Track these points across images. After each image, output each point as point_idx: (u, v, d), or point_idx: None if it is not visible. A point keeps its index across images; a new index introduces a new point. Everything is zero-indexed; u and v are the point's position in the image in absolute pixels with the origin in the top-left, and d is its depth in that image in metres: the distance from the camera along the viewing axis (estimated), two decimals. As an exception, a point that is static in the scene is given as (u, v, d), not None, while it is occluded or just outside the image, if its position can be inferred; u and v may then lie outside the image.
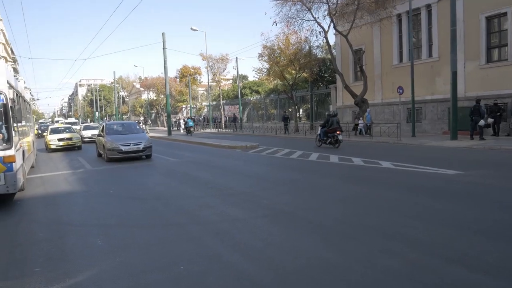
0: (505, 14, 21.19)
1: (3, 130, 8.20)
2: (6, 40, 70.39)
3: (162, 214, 7.31)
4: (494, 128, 19.81)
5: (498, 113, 19.62)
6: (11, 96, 8.96)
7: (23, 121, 12.73)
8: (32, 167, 14.26)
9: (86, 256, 5.20)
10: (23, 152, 10.84)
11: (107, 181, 11.60)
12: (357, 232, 5.77)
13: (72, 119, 68.23)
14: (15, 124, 8.89)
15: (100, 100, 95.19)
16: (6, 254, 5.46)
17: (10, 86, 9.03)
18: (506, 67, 21.25)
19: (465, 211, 6.70)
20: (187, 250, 5.27)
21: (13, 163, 8.26)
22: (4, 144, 8.18)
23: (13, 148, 8.29)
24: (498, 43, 22.20)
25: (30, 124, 15.88)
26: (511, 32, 20.85)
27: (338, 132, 17.89)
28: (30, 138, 14.19)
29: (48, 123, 51.02)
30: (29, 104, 16.99)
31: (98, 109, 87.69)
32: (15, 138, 8.76)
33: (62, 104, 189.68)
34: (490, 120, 19.30)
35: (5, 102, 8.23)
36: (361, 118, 25.64)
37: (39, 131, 39.16)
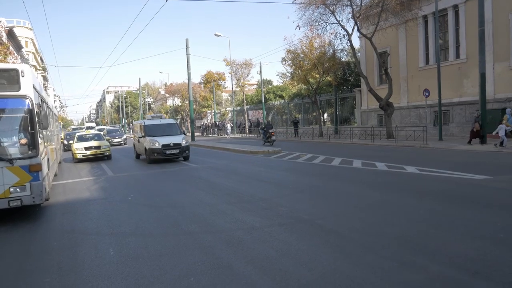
0: (536, 12, 20.38)
1: (29, 137, 7.86)
2: (36, 49, 72.60)
3: (177, 223, 7.20)
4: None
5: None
6: (37, 101, 8.67)
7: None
8: (55, 175, 14.45)
9: (96, 266, 5.13)
10: (48, 160, 10.92)
11: (127, 188, 11.62)
12: (377, 242, 5.50)
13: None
14: (41, 131, 8.63)
15: (126, 106, 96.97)
16: (18, 263, 5.44)
17: (36, 91, 8.72)
18: (538, 68, 20.39)
19: (493, 219, 6.32)
20: (198, 261, 5.13)
21: (39, 172, 7.97)
22: (30, 152, 7.83)
23: (39, 156, 8.00)
24: (530, 43, 21.33)
25: (53, 130, 16.01)
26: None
27: (273, 133, 25.69)
28: (54, 145, 14.40)
29: (83, 130, 43.95)
30: (52, 111, 16.97)
31: (125, 116, 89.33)
32: (41, 146, 8.43)
33: (90, 111, 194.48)
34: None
35: (31, 108, 7.89)
36: (502, 122, 17.99)
37: (65, 141, 32.45)
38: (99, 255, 5.58)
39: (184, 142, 17.74)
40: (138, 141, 19.29)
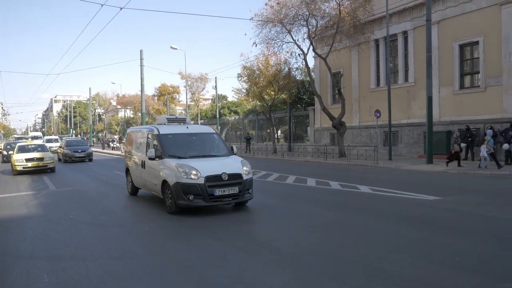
0: (477, 43, 21.67)
1: None
2: (-22, 54, 68.28)
3: (123, 244, 6.68)
4: (467, 153, 19.88)
5: (470, 139, 19.74)
6: None
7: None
8: (-11, 187, 13.33)
9: (26, 296, 4.55)
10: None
11: (70, 204, 10.83)
12: (335, 267, 5.30)
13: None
14: None
15: (75, 117, 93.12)
16: None
17: None
18: (478, 94, 21.60)
19: (447, 241, 6.33)
20: (144, 289, 4.69)
21: None
22: None
23: None
24: (471, 70, 22.61)
25: None
26: (483, 60, 21.29)
27: None
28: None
29: (28, 139, 37.29)
30: None
31: (72, 126, 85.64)
32: None
33: (35, 120, 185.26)
34: (462, 145, 19.36)
35: None
36: (483, 143, 16.82)
37: (4, 151, 29.80)
38: (30, 282, 4.97)
39: (245, 172, 9.22)
40: (142, 165, 10.60)
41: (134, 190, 11.94)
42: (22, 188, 14.33)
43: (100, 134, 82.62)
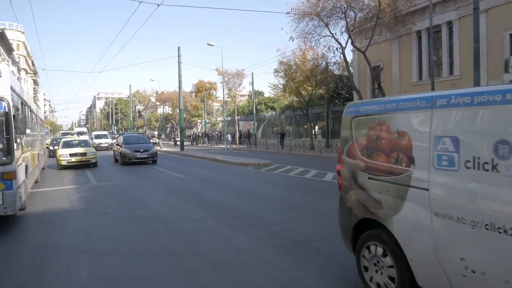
0: (530, 31, 20.38)
1: (4, 142, 7.33)
2: (27, 53, 71.63)
3: (160, 240, 6.64)
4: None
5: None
6: (15, 104, 8.14)
7: (27, 131, 12.22)
8: (36, 181, 13.76)
9: (65, 291, 4.56)
10: (26, 166, 10.32)
11: (110, 198, 11.01)
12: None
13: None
14: (18, 136, 8.15)
15: (116, 113, 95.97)
16: (-24, 285, 4.85)
17: (14, 93, 8.20)
18: (532, 86, 20.30)
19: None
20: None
21: (13, 180, 7.41)
22: (4, 158, 7.30)
23: (13, 163, 7.45)
24: (524, 61, 21.30)
25: (37, 135, 15.32)
26: (538, 50, 20.00)
27: None
28: (36, 151, 13.76)
29: (73, 135, 37.33)
30: (36, 115, 16.17)
31: (114, 122, 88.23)
32: (17, 152, 7.94)
33: (80, 117, 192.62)
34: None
35: (7, 110, 7.38)
36: None
37: (51, 147, 30.19)
38: (69, 276, 5.00)
39: None
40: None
41: None
42: (65, 182, 14.77)
43: (140, 130, 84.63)
